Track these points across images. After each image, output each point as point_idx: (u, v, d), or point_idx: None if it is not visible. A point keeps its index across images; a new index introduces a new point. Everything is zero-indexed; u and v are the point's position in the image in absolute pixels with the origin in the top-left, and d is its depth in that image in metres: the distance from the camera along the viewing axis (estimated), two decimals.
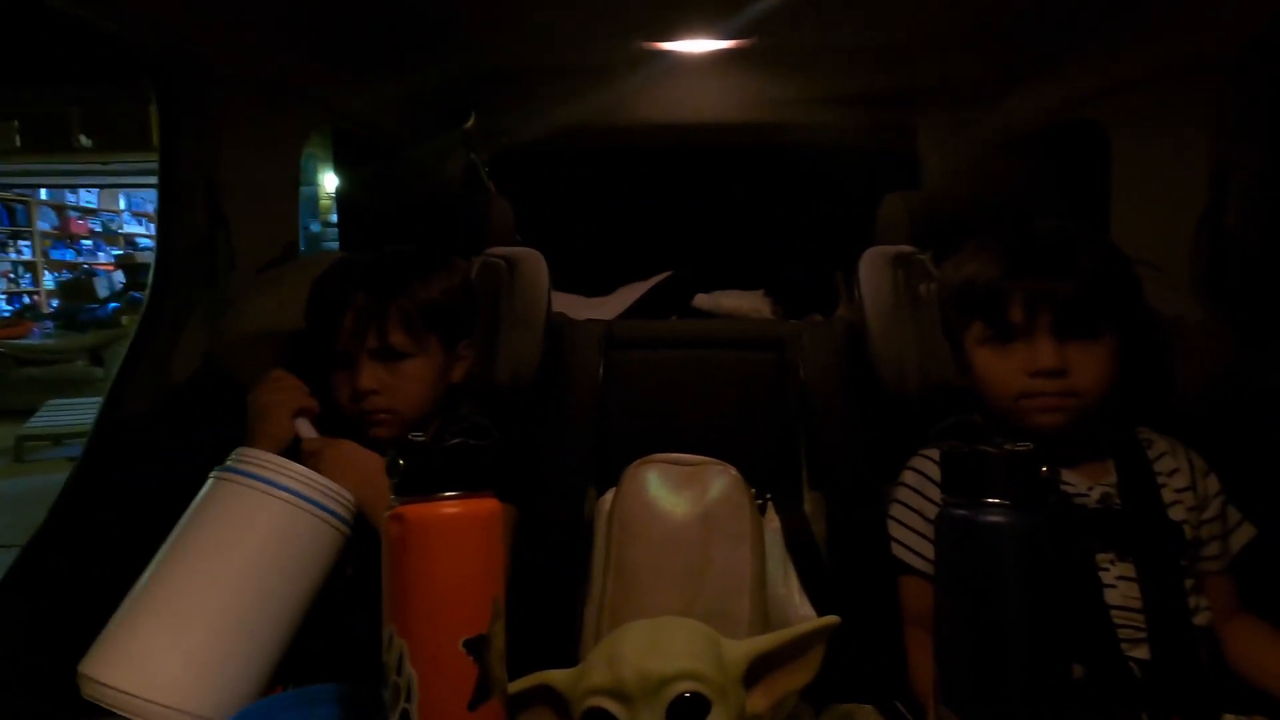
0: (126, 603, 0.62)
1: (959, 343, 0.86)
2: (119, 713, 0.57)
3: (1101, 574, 0.76)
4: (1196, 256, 1.02)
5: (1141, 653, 0.73)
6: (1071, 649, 0.68)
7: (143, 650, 0.59)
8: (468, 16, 1.05)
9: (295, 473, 0.66)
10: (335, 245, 1.89)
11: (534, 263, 1.03)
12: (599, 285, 1.80)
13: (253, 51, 1.07)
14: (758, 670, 0.57)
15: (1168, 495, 0.79)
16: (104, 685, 0.57)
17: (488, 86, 1.45)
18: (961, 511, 0.52)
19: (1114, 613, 0.74)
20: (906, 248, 1.01)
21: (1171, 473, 0.81)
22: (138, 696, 0.57)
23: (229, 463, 0.68)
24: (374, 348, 0.84)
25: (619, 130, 1.79)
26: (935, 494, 0.80)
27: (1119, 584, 0.75)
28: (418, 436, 0.51)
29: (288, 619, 0.64)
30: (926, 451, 0.86)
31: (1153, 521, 0.77)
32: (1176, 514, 0.78)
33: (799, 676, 0.58)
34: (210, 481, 0.68)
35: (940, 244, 0.98)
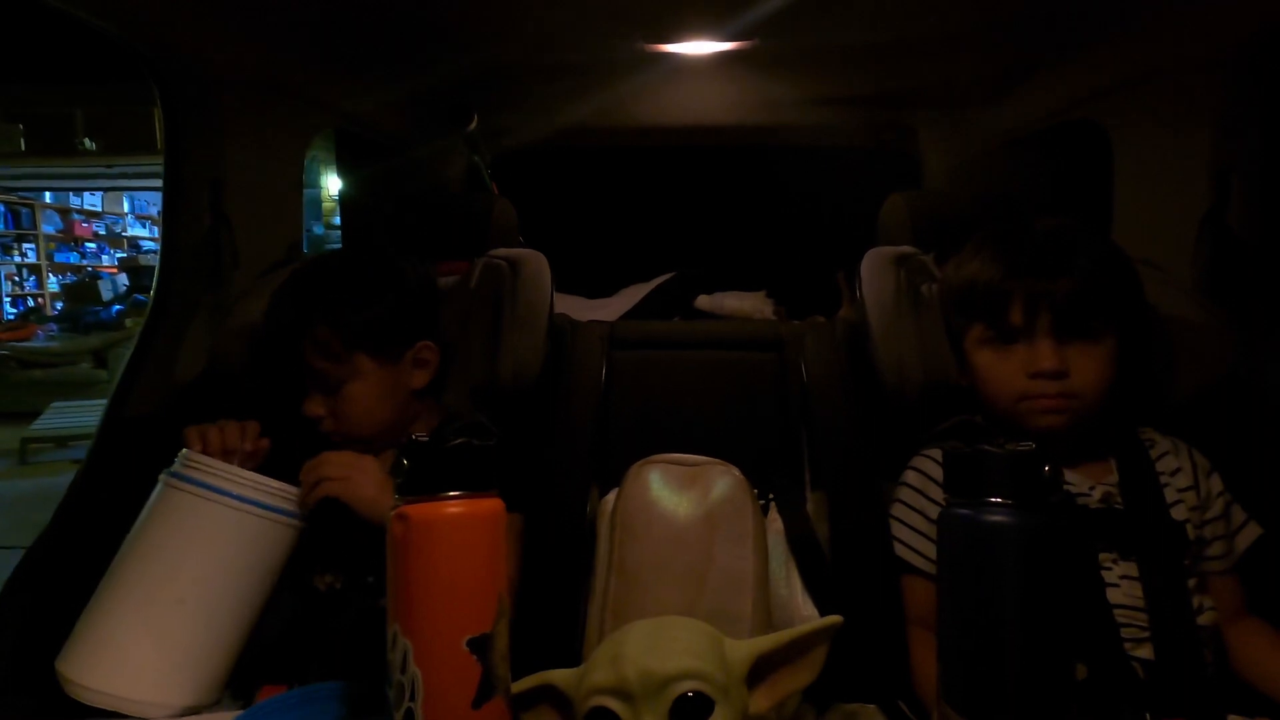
0: (93, 602, 0.67)
1: (960, 344, 0.86)
2: (99, 707, 0.62)
3: (1104, 573, 0.76)
4: (1199, 256, 1.01)
5: (1145, 653, 0.73)
6: (1074, 649, 0.68)
7: (111, 649, 0.65)
8: (470, 18, 1.05)
9: (238, 477, 0.69)
10: (339, 247, 1.90)
11: (536, 264, 1.03)
12: (602, 286, 1.81)
13: (256, 54, 1.07)
14: (761, 670, 0.57)
15: (1170, 495, 0.79)
16: (79, 685, 0.63)
17: (490, 88, 1.45)
18: (964, 511, 0.52)
19: (1117, 612, 0.74)
20: (908, 248, 1.01)
21: (1174, 472, 0.81)
22: (110, 694, 0.63)
23: (176, 468, 0.71)
24: (311, 373, 0.83)
25: (621, 131, 1.79)
26: (937, 494, 0.81)
27: (1122, 583, 0.75)
28: (422, 437, 0.51)
29: (245, 610, 0.70)
30: (928, 451, 0.86)
31: (1154, 521, 0.77)
32: (1179, 513, 0.78)
33: (802, 676, 0.58)
34: (160, 486, 0.71)
35: (942, 244, 0.98)
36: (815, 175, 1.96)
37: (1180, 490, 0.80)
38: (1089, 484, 0.80)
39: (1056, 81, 1.23)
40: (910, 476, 0.86)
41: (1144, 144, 1.13)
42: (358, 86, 1.29)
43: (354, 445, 0.81)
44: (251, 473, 0.71)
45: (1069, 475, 0.80)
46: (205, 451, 0.74)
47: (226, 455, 0.76)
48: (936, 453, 0.83)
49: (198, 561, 0.68)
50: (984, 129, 1.52)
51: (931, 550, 0.79)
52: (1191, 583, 0.76)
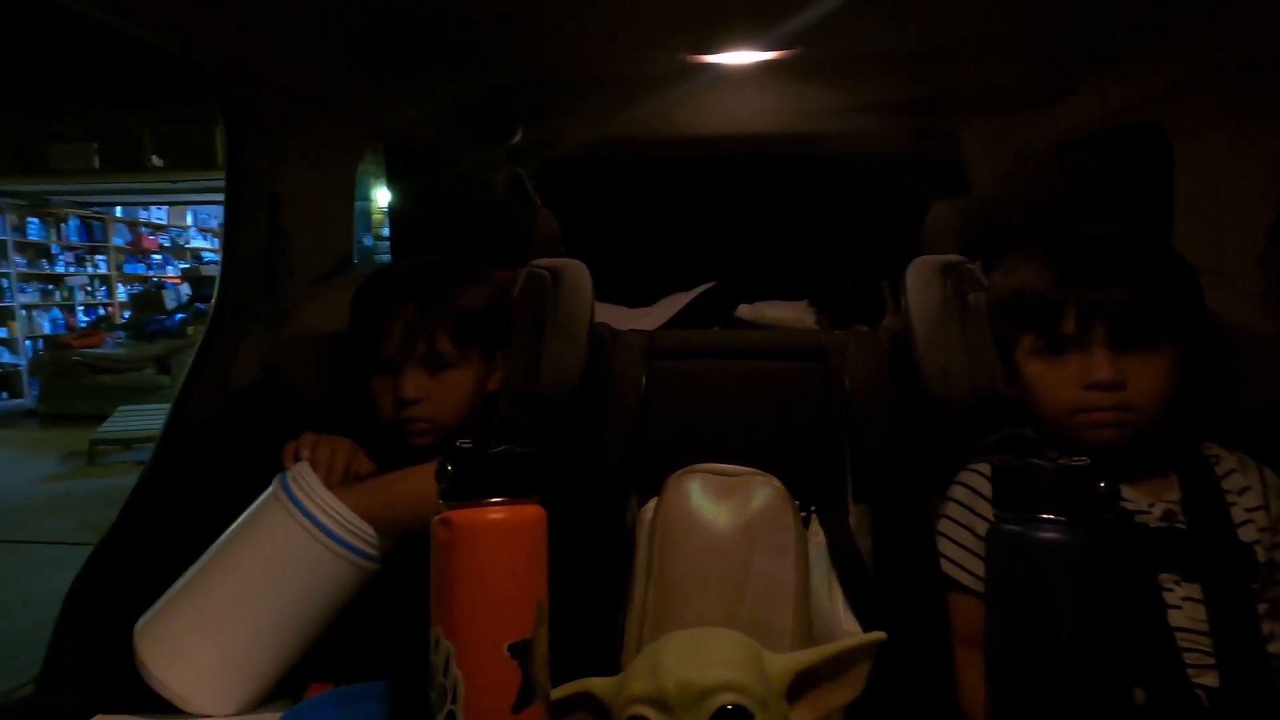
0: (180, 582, 0.70)
1: (1009, 354, 0.83)
2: (153, 689, 0.65)
3: (1165, 595, 0.72)
4: (1265, 263, 0.97)
5: (1209, 679, 0.70)
6: (1131, 673, 0.66)
7: (177, 643, 0.68)
8: (514, 32, 1.08)
9: (332, 510, 0.70)
10: (387, 258, 1.95)
11: (578, 273, 1.04)
12: (642, 296, 1.81)
13: (311, 72, 1.11)
14: (801, 685, 0.57)
15: (1237, 514, 0.75)
16: (142, 661, 0.66)
17: (533, 100, 1.48)
18: (1014, 527, 0.51)
19: (1179, 636, 0.71)
20: (955, 256, 0.99)
21: (1241, 491, 0.77)
22: (164, 684, 0.66)
23: (288, 479, 0.72)
24: (421, 354, 0.84)
25: (662, 141, 1.80)
26: (985, 509, 0.79)
27: (1184, 606, 0.72)
28: (465, 444, 0.52)
29: (309, 634, 0.71)
30: (975, 465, 0.83)
31: (1221, 542, 0.74)
32: (1247, 534, 0.74)
33: (843, 693, 0.57)
34: (269, 491, 0.72)
35: (989, 252, 0.95)
36: (858, 183, 1.94)
37: (1249, 510, 0.76)
38: (1148, 501, 0.77)
39: (1112, 83, 1.19)
40: (957, 491, 0.84)
41: (1207, 147, 1.08)
42: (406, 102, 1.33)
43: (429, 439, 0.84)
44: (348, 512, 0.71)
45: (1127, 492, 0.76)
46: (313, 461, 0.75)
47: (329, 473, 0.77)
48: (984, 467, 0.81)
49: (279, 587, 0.69)
50: (1034, 133, 1.48)
51: (980, 567, 0.77)
52: (1262, 608, 0.72)
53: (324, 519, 0.69)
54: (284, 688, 0.73)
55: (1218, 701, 0.69)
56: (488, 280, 0.93)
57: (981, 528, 0.78)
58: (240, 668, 0.68)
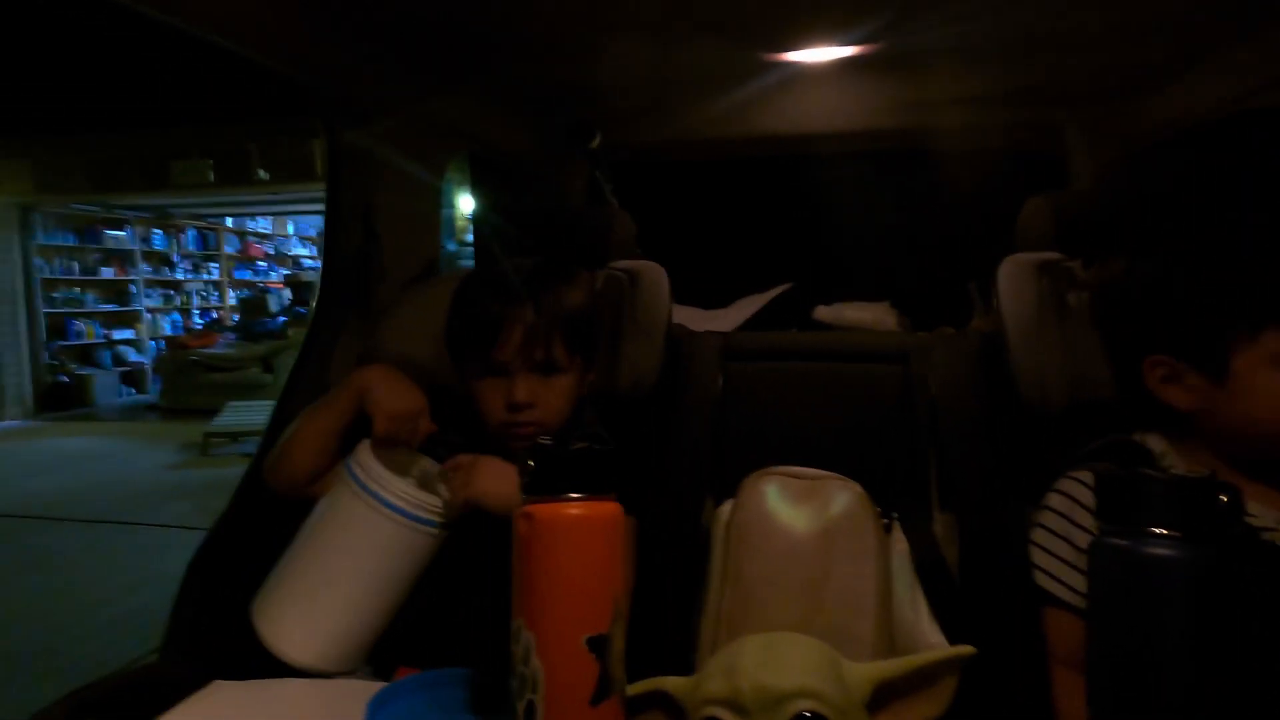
0: (280, 565, 0.80)
1: (1130, 359, 0.77)
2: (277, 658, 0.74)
3: None
4: None
5: None
6: (1246, 701, 0.60)
7: (273, 608, 0.77)
8: (590, 36, 1.09)
9: (396, 489, 0.77)
10: (470, 263, 2.02)
11: (655, 275, 1.05)
12: (717, 298, 1.80)
13: (402, 86, 1.17)
14: (882, 697, 0.55)
15: None
16: (256, 625, 0.76)
17: (611, 105, 1.50)
18: (1121, 542, 0.47)
19: None
20: (1052, 254, 0.94)
21: None
22: (267, 640, 0.75)
23: (351, 463, 0.79)
24: (539, 361, 0.84)
25: (741, 141, 1.79)
26: (1085, 520, 0.74)
27: None
28: (546, 440, 0.54)
29: (387, 600, 0.79)
30: (1076, 473, 0.78)
31: None
32: None
33: (927, 709, 0.55)
34: (341, 475, 0.80)
35: (1089, 249, 0.90)
36: (943, 179, 1.86)
37: None
38: (1275, 515, 0.70)
39: (1227, 70, 1.10)
40: (1055, 500, 0.79)
41: None
42: (488, 111, 1.38)
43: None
44: (408, 485, 0.78)
45: (1256, 507, 0.70)
46: (389, 429, 0.82)
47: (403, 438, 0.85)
48: (1085, 474, 0.76)
49: (355, 557, 0.78)
50: (1141, 123, 1.38)
51: (1079, 582, 0.72)
52: None
53: (381, 491, 0.76)
54: (377, 669, 0.77)
55: None
56: (586, 282, 0.94)
57: (1081, 539, 0.74)
58: (334, 631, 0.76)
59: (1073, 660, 0.73)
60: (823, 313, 1.66)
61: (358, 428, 0.85)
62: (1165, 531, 0.45)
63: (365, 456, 0.79)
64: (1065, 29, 1.03)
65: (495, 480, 0.77)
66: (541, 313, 0.83)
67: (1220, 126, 1.24)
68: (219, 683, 0.70)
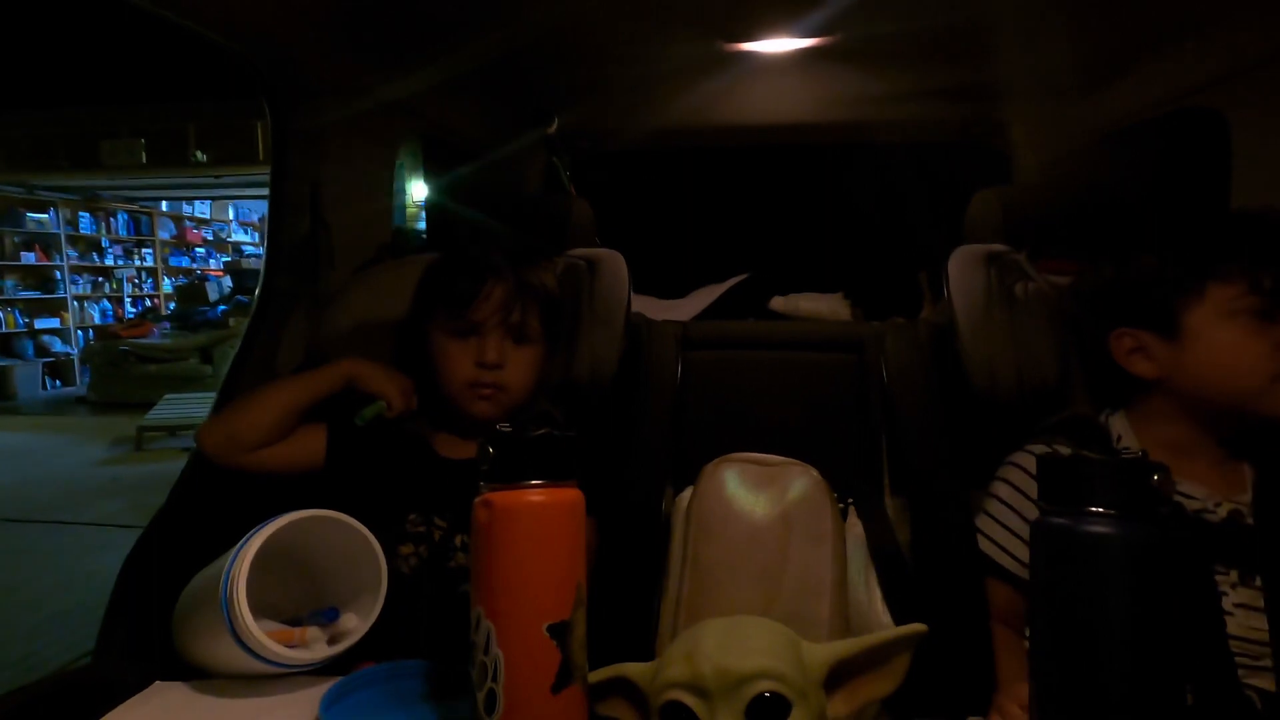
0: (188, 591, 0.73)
1: (1101, 342, 0.80)
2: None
3: (1223, 597, 0.70)
4: None
5: (1262, 681, 0.67)
6: (1181, 673, 0.64)
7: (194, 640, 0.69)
8: (549, 24, 1.08)
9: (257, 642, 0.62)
10: (422, 251, 1.97)
11: (614, 263, 1.04)
12: (675, 287, 1.81)
13: (351, 62, 1.13)
14: (839, 675, 0.56)
15: None
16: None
17: (569, 91, 1.48)
18: (1061, 520, 0.49)
19: (1235, 639, 0.68)
20: (1000, 246, 0.97)
21: None
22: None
23: (229, 589, 0.63)
24: (513, 324, 0.87)
25: (696, 131, 1.79)
26: (1036, 492, 0.77)
27: (1240, 606, 0.69)
28: (505, 427, 0.53)
29: None
30: (1032, 447, 0.81)
31: None
32: None
33: (882, 685, 0.56)
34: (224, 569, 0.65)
35: (1036, 242, 0.93)
36: (893, 173, 1.90)
37: None
38: (1214, 498, 0.74)
39: (1168, 67, 1.15)
40: (1009, 472, 0.82)
41: (1267, 132, 1.04)
42: (441, 92, 1.34)
43: (494, 408, 0.88)
44: (270, 644, 0.63)
45: (1191, 488, 0.74)
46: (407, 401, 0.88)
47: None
48: (1041, 449, 0.79)
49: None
50: (1084, 119, 1.43)
51: (1024, 553, 0.75)
52: None
53: (252, 645, 0.62)
54: (333, 667, 0.75)
55: (1271, 705, 0.66)
56: (554, 268, 0.97)
57: (1032, 512, 0.76)
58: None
59: (1012, 621, 0.77)
60: (778, 303, 1.67)
61: (317, 411, 0.87)
62: (1102, 510, 0.47)
63: (242, 607, 0.62)
64: (1008, 25, 1.06)
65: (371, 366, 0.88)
66: (519, 281, 0.87)
67: (1153, 125, 1.30)
68: (161, 684, 0.67)
